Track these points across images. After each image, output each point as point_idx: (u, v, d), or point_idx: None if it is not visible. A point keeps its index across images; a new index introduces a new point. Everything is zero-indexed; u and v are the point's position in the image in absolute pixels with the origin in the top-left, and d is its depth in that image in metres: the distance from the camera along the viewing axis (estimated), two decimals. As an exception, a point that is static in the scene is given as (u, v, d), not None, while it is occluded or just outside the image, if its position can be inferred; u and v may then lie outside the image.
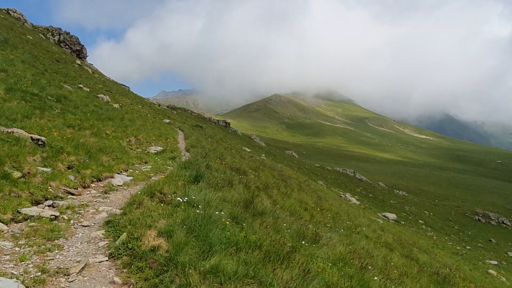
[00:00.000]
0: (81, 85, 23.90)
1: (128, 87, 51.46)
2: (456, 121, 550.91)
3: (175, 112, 52.15)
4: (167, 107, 56.33)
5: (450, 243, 36.39)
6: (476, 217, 60.41)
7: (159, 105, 51.63)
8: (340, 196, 28.96)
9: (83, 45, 51.18)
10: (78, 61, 41.65)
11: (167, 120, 28.63)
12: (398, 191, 62.91)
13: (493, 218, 61.29)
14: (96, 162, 9.01)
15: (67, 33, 49.58)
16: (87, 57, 52.72)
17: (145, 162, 11.66)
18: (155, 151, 13.96)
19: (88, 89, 23.98)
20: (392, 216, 33.79)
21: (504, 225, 59.44)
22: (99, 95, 23.70)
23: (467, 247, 37.37)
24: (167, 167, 11.36)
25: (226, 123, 60.59)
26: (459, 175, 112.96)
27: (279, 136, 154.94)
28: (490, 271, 23.20)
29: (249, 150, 32.35)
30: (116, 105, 22.92)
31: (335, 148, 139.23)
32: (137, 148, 14.25)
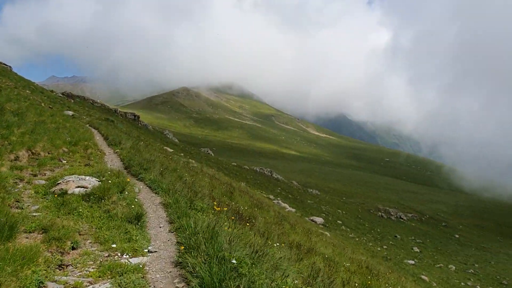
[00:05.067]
0: None
1: (10, 66, 41.49)
2: (350, 120, 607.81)
3: (73, 101, 43.90)
4: (63, 94, 47.33)
5: (370, 244, 36.97)
6: (379, 213, 64.64)
7: (52, 92, 42.80)
8: (273, 202, 26.50)
9: None
10: None
11: (70, 112, 21.75)
12: (311, 190, 63.89)
13: (392, 213, 66.38)
14: None
15: None
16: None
17: (69, 264, 4.50)
18: (83, 191, 6.91)
19: None
20: (319, 220, 32.65)
21: (401, 220, 64.74)
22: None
23: (384, 247, 38.51)
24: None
25: (135, 116, 53.72)
26: (358, 172, 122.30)
27: (187, 131, 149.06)
28: (423, 277, 23.11)
29: (172, 150, 27.83)
30: (-10, 88, 16.22)
31: (244, 144, 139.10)
32: (35, 176, 7.70)
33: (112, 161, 11.78)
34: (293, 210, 26.92)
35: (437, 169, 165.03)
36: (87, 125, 20.41)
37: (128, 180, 8.48)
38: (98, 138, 16.51)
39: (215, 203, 7.00)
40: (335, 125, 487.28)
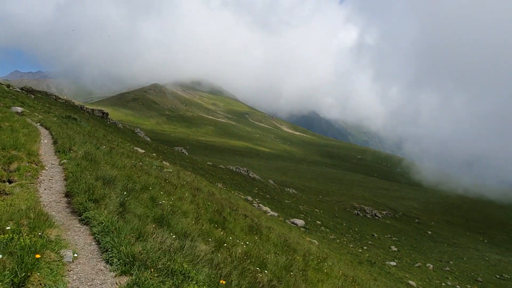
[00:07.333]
0: None
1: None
2: (321, 118, 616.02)
3: (33, 96, 40.48)
4: (22, 89, 43.67)
5: (351, 245, 36.22)
6: (355, 212, 64.59)
7: (8, 86, 39.22)
8: (253, 206, 24.99)
9: None
10: None
11: (19, 109, 19.13)
12: (288, 189, 62.93)
13: (368, 211, 66.52)
14: None
15: None
16: None
17: None
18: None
19: None
20: (300, 222, 31.47)
21: (377, 218, 64.98)
22: None
23: (364, 247, 37.90)
24: None
25: (103, 113, 50.47)
26: (331, 170, 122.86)
27: (160, 129, 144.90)
28: (410, 282, 22.34)
29: (143, 150, 25.65)
30: None
31: (219, 142, 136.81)
32: None
33: (50, 180, 7.82)
34: (276, 214, 25.54)
35: (398, 163, 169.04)
36: (38, 124, 17.12)
37: (36, 258, 3.96)
38: (46, 141, 12.95)
39: (220, 273, 4.13)
40: (308, 123, 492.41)
